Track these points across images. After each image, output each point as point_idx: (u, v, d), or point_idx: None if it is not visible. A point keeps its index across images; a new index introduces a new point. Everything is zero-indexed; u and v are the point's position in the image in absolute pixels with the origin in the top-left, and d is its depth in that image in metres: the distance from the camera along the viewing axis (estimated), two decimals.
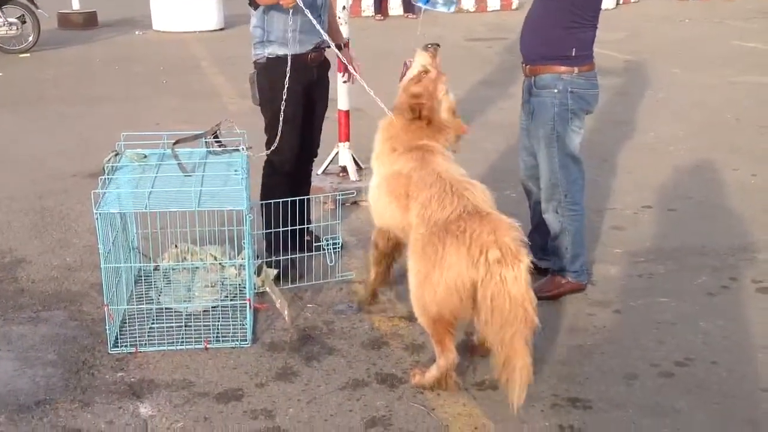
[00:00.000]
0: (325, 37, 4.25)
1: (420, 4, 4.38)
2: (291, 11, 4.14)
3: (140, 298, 4.23)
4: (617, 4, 15.78)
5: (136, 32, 13.79)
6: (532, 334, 3.18)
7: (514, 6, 16.08)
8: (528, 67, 4.24)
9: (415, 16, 15.25)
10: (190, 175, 3.94)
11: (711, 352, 3.75)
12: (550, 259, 4.41)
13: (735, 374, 3.57)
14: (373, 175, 3.94)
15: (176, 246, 4.50)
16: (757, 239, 5.02)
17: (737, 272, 4.57)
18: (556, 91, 4.12)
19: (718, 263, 4.70)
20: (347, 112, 6.09)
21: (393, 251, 3.97)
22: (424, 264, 3.29)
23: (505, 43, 12.09)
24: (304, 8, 4.07)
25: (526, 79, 4.30)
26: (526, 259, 3.16)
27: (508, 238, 3.17)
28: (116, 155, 4.13)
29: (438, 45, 3.93)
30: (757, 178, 6.14)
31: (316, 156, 4.92)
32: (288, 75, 4.27)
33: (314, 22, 4.14)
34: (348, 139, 6.10)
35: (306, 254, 4.55)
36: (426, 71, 3.84)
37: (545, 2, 4.15)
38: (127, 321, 3.97)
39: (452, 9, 4.36)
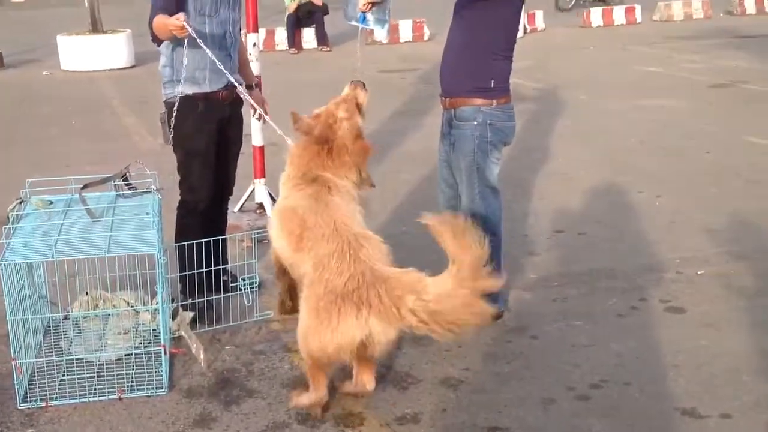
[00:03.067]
0: (229, 77, 4.23)
1: (354, 23, 4.39)
2: (186, 42, 4.08)
3: (50, 349, 4.10)
4: (524, 33, 16.23)
5: (44, 72, 13.47)
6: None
7: (425, 37, 16.36)
8: (447, 99, 4.31)
9: (329, 49, 15.37)
10: (99, 220, 3.86)
11: (624, 374, 3.85)
12: None
13: (648, 394, 3.67)
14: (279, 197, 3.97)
15: (87, 293, 4.38)
16: (663, 259, 5.20)
17: (646, 293, 4.72)
18: (475, 123, 4.19)
19: (627, 285, 4.84)
20: (262, 148, 6.07)
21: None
22: (316, 321, 3.38)
23: (419, 73, 12.28)
24: (197, 38, 4.02)
25: (445, 112, 4.36)
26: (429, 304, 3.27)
27: (411, 299, 3.27)
28: (21, 203, 4.01)
29: (361, 81, 4.00)
30: (662, 199, 6.37)
31: (231, 194, 4.88)
32: (199, 114, 4.23)
33: (208, 52, 4.09)
34: (264, 176, 6.07)
35: (223, 295, 4.49)
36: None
37: (464, 35, 4.22)
38: (36, 374, 3.83)
39: (385, 27, 4.37)
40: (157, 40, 4.27)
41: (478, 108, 4.19)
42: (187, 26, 3.93)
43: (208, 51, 4.10)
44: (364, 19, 4.36)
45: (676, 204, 6.25)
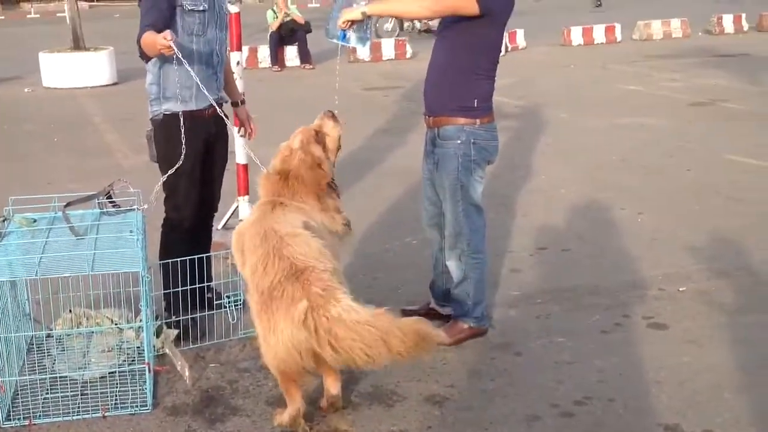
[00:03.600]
0: (210, 99, 4.25)
1: (335, 41, 4.40)
2: (174, 60, 4.08)
3: (33, 367, 4.07)
4: (506, 51, 16.39)
5: (25, 89, 13.43)
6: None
7: (408, 55, 16.46)
8: (431, 118, 4.33)
9: (311, 66, 15.43)
10: (82, 238, 3.85)
11: (608, 390, 3.87)
12: (451, 306, 4.49)
13: (631, 410, 3.69)
14: None
15: (71, 311, 4.36)
16: (646, 276, 5.24)
17: (629, 309, 4.75)
18: (459, 142, 4.21)
19: (610, 301, 4.87)
20: (245, 166, 6.08)
21: None
22: (261, 328, 3.43)
23: (401, 91, 12.34)
24: (183, 59, 4.04)
25: (429, 131, 4.39)
26: (342, 296, 3.29)
27: (315, 288, 3.29)
28: (4, 221, 4.00)
29: (330, 111, 4.12)
30: (643, 216, 6.43)
31: (216, 211, 4.88)
32: (185, 131, 4.24)
33: (193, 74, 4.11)
34: (247, 193, 6.08)
35: (207, 312, 4.48)
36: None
37: (447, 54, 4.25)
38: (19, 392, 3.80)
39: (367, 45, 4.38)
40: (145, 57, 4.27)
41: (461, 127, 4.22)
42: (173, 46, 3.93)
43: (192, 73, 4.11)
44: (345, 37, 4.37)
45: (657, 221, 6.31)
